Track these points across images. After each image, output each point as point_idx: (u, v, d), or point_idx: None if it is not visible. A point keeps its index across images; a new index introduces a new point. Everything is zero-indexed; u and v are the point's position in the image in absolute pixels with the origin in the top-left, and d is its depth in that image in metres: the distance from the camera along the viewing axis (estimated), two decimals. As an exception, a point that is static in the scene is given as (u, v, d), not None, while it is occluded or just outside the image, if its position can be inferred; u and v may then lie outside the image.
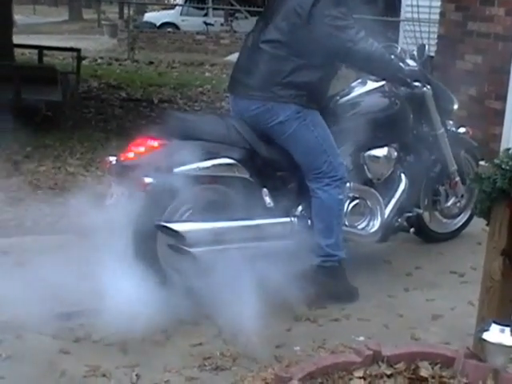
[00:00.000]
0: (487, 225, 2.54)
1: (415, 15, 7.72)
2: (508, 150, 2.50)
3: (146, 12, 21.74)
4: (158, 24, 20.28)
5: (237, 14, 19.55)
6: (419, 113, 4.09)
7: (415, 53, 4.05)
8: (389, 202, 3.98)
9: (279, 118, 3.47)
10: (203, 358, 2.97)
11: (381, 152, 3.92)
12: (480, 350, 2.44)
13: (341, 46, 3.43)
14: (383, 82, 3.94)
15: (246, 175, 3.44)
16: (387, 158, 3.94)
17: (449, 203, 4.43)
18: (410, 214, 4.16)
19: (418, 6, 7.62)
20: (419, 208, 4.25)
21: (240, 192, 3.42)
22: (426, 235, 4.46)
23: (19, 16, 20.84)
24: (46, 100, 7.04)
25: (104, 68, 12.77)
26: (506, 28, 5.90)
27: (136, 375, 2.83)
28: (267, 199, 3.49)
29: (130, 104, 8.89)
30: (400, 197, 4.02)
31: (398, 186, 4.04)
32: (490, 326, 2.34)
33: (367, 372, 2.42)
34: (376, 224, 3.90)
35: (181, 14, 20.67)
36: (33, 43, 10.58)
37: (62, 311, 3.21)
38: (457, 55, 6.47)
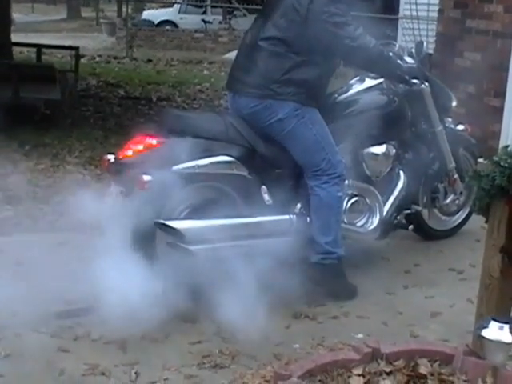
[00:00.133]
0: (486, 222, 2.54)
1: (414, 12, 7.71)
2: (507, 147, 2.49)
3: (144, 10, 21.70)
4: (156, 22, 20.33)
5: (235, 12, 19.58)
6: (417, 110, 4.09)
7: (413, 50, 4.05)
8: (387, 199, 3.99)
9: (278, 116, 3.47)
10: (202, 356, 2.97)
11: (379, 149, 3.92)
12: (479, 347, 2.44)
13: (339, 42, 3.43)
14: (381, 80, 3.95)
15: (245, 173, 3.44)
16: (386, 155, 3.94)
17: (447, 200, 4.43)
18: (409, 212, 4.16)
19: (416, 4, 7.62)
20: (418, 205, 4.24)
21: (239, 189, 3.43)
22: (425, 232, 4.46)
23: (17, 14, 20.80)
24: (45, 98, 7.04)
25: (102, 66, 12.76)
26: (505, 25, 5.89)
27: (135, 373, 2.83)
28: (266, 197, 3.49)
29: (128, 102, 8.88)
30: (399, 194, 4.03)
31: (397, 183, 4.04)
32: (488, 323, 2.34)
33: (366, 369, 2.42)
34: (375, 221, 3.90)
35: (179, 12, 20.70)
36: (31, 41, 10.58)
37: (61, 309, 3.21)
38: (455, 52, 6.47)
